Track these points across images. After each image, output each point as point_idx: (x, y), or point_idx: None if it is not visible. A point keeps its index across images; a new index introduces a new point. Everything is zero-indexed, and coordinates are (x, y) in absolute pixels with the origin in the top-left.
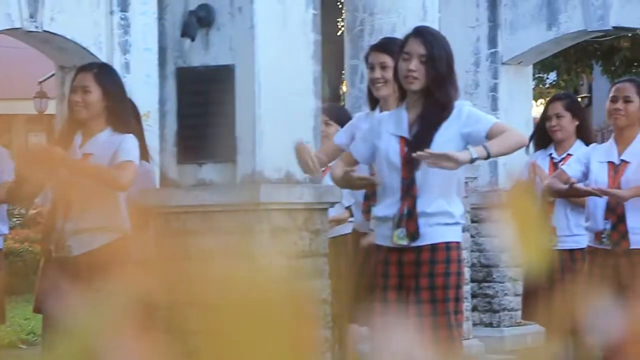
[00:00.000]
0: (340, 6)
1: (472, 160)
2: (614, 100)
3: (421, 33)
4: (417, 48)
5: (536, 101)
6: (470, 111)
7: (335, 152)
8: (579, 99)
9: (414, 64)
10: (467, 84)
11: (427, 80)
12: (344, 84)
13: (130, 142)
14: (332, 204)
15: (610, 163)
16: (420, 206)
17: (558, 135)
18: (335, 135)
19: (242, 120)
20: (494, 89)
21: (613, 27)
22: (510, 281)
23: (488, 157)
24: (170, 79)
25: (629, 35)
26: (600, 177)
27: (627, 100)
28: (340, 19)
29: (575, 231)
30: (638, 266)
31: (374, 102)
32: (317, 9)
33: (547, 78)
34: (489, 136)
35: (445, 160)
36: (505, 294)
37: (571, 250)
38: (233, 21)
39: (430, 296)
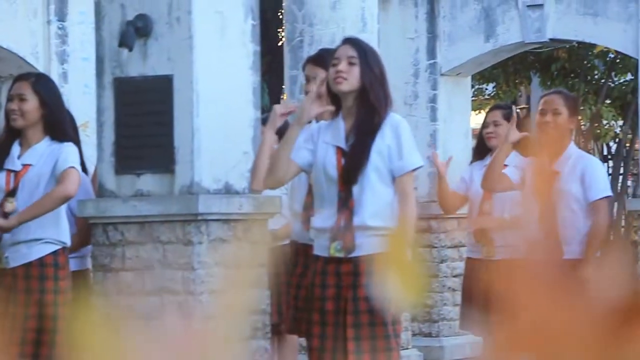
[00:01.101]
0: (281, 17)
1: None
2: (542, 113)
3: (349, 39)
4: (345, 51)
5: (475, 112)
6: (404, 134)
7: None
8: (518, 110)
9: (343, 65)
10: (406, 95)
11: (357, 81)
12: (284, 94)
13: (70, 149)
14: (272, 215)
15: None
16: (357, 219)
17: (493, 142)
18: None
19: (181, 130)
20: (433, 100)
21: (550, 39)
22: (449, 291)
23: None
24: (108, 89)
25: (567, 46)
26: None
27: (555, 113)
28: (281, 30)
29: (512, 241)
30: (572, 275)
31: None
32: (256, 20)
33: (486, 89)
34: (398, 180)
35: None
36: (445, 304)
37: (508, 261)
38: (171, 31)
39: (368, 307)
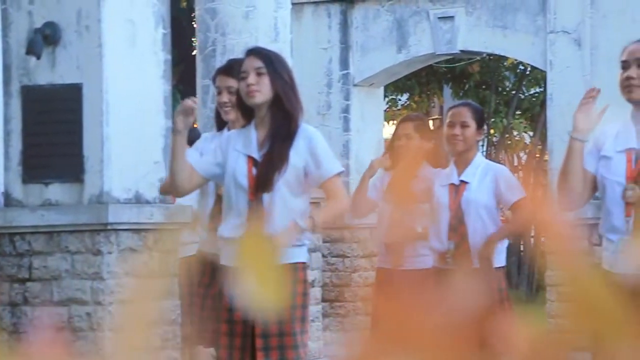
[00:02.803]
0: (194, 25)
1: (302, 231)
2: (451, 125)
3: (254, 50)
4: (251, 63)
5: (388, 122)
6: (319, 145)
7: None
8: (430, 121)
9: (252, 78)
10: (319, 105)
11: (268, 91)
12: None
13: None
14: (183, 224)
15: (451, 185)
16: (267, 228)
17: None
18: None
19: (90, 139)
20: (346, 110)
21: (460, 50)
22: (362, 301)
23: (314, 229)
24: (15, 97)
25: (479, 59)
26: (442, 198)
27: (464, 125)
28: (194, 38)
29: (421, 251)
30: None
31: (221, 124)
32: (167, 28)
33: (400, 100)
34: (323, 186)
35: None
36: (357, 314)
37: (418, 270)
38: (80, 39)
39: (276, 316)
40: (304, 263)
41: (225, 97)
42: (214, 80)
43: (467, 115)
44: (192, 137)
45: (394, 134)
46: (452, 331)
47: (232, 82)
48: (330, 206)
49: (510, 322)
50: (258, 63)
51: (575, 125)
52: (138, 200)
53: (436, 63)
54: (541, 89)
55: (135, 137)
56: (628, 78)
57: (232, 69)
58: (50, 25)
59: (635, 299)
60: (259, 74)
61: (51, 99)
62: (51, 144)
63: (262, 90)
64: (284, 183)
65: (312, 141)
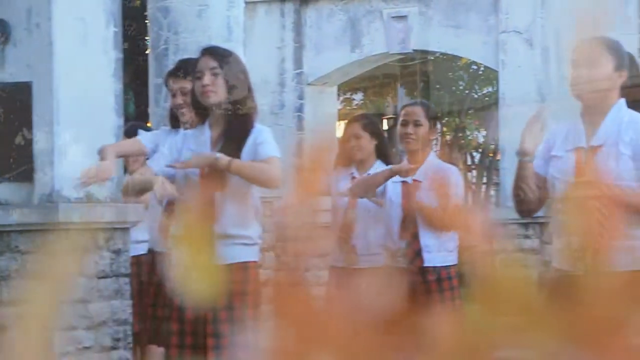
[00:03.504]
0: (148, 23)
1: (216, 160)
2: (404, 124)
3: (208, 50)
4: (206, 63)
5: (342, 122)
6: (261, 136)
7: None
8: (385, 120)
9: (207, 78)
10: (272, 104)
11: (224, 91)
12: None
13: None
14: (135, 223)
15: (404, 183)
16: (219, 227)
17: (357, 155)
18: (142, 135)
19: (40, 138)
20: (300, 109)
21: (413, 49)
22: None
23: (228, 168)
24: None
25: (432, 58)
26: (394, 196)
27: (417, 124)
28: (148, 37)
29: (375, 250)
30: (431, 284)
31: (176, 124)
32: (118, 27)
33: (354, 99)
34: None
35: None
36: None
37: (370, 269)
38: (30, 37)
39: (228, 316)
40: (255, 262)
41: (179, 99)
42: (165, 82)
43: (421, 114)
44: (131, 134)
45: (343, 134)
46: (366, 329)
47: (185, 83)
48: (260, 165)
49: (439, 319)
50: (213, 63)
51: (523, 148)
52: (89, 199)
53: (390, 62)
54: (494, 89)
55: (86, 135)
56: (578, 76)
57: (182, 70)
58: (0, 23)
59: (570, 295)
60: (214, 74)
61: (1, 98)
62: (1, 142)
63: (217, 91)
64: (236, 181)
65: (259, 137)
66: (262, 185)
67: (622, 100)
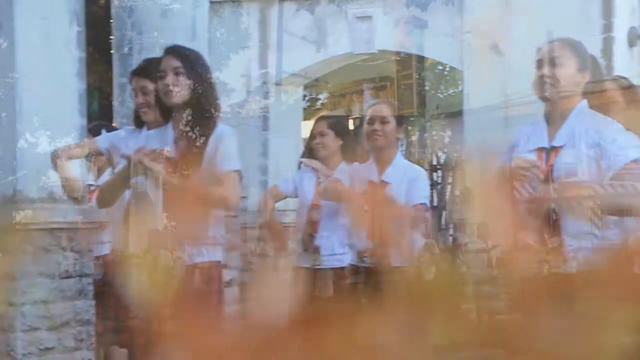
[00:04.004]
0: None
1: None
2: (370, 122)
3: (171, 49)
4: (170, 63)
5: (307, 121)
6: (223, 142)
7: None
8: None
9: (170, 78)
10: (237, 104)
11: (187, 90)
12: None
13: None
14: (99, 223)
15: (371, 183)
16: (181, 228)
17: (321, 153)
18: (101, 135)
19: (3, 137)
20: (265, 109)
21: (378, 50)
22: None
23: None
24: None
25: (398, 58)
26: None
27: (383, 121)
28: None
29: (338, 250)
30: (399, 283)
31: (140, 123)
32: (81, 26)
33: (319, 99)
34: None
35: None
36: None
37: (334, 269)
38: None
39: (191, 316)
40: (218, 262)
41: (140, 99)
42: (130, 81)
43: (387, 112)
44: (96, 133)
45: (310, 134)
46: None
47: (147, 83)
48: (208, 193)
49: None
50: (176, 62)
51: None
52: (52, 199)
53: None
54: (459, 89)
55: (49, 135)
56: (542, 77)
57: (146, 69)
58: None
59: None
60: (177, 74)
61: None
62: None
63: (180, 90)
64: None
65: (221, 139)
66: (217, 207)
67: (585, 102)
